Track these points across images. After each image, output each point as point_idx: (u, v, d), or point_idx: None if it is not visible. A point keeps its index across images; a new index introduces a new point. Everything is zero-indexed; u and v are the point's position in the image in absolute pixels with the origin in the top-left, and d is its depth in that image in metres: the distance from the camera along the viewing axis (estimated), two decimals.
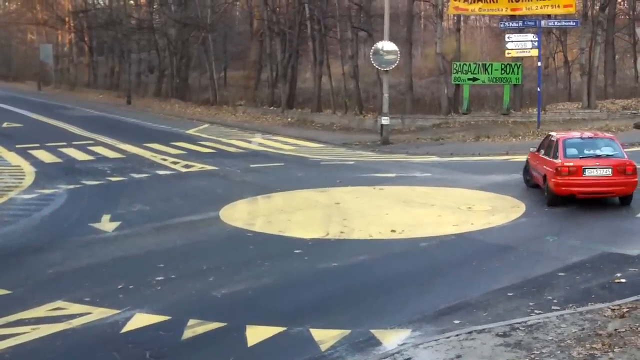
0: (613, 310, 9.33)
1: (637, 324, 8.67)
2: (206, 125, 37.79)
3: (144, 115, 43.06)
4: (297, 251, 13.16)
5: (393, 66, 29.67)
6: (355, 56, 38.56)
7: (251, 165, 23.85)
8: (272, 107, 41.86)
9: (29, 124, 38.59)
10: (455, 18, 38.90)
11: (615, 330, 8.55)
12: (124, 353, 8.86)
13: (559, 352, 8.06)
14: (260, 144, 30.11)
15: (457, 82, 33.89)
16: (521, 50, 29.98)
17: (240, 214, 16.58)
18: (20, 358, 8.85)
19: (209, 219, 16.10)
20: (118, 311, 10.17)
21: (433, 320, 9.53)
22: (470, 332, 8.77)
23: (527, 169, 18.53)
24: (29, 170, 23.22)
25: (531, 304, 9.99)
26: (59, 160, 25.45)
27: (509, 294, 10.47)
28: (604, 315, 9.17)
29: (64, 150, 27.72)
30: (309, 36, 40.11)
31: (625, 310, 9.27)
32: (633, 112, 32.01)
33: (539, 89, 29.04)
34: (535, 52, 29.12)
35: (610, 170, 15.79)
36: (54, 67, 69.75)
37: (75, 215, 16.93)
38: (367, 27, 39.83)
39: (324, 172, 22.49)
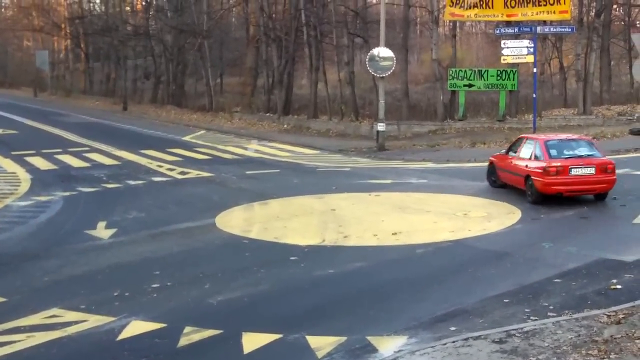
0: (609, 316, 9.33)
1: (633, 330, 8.67)
2: (202, 132, 37.82)
3: (140, 122, 43.10)
4: (293, 258, 13.14)
5: (389, 72, 29.76)
6: (351, 62, 38.67)
7: (247, 172, 23.85)
8: (268, 114, 41.89)
9: (25, 130, 38.63)
10: (451, 24, 39.09)
11: (611, 336, 8.55)
12: None
13: (555, 358, 8.06)
14: (257, 151, 30.14)
15: (453, 89, 34.01)
16: (517, 57, 30.03)
17: (236, 221, 16.57)
18: None
19: (205, 225, 16.09)
20: (114, 319, 10.15)
21: (429, 327, 9.52)
22: (466, 339, 8.77)
23: (491, 171, 19.62)
24: (25, 177, 23.21)
25: (527, 310, 9.99)
26: (54, 167, 25.44)
27: (505, 300, 10.47)
28: (600, 322, 9.17)
29: (60, 157, 27.71)
30: (305, 42, 40.15)
31: (621, 316, 9.27)
32: (629, 118, 32.00)
33: (534, 95, 29.05)
34: (530, 59, 29.16)
35: (593, 169, 16.78)
36: (50, 74, 69.78)
37: (71, 222, 16.92)
38: (363, 34, 39.89)
39: (320, 178, 22.50)
